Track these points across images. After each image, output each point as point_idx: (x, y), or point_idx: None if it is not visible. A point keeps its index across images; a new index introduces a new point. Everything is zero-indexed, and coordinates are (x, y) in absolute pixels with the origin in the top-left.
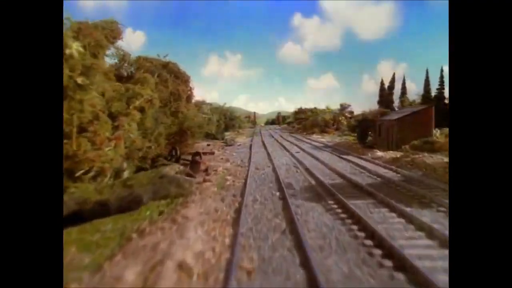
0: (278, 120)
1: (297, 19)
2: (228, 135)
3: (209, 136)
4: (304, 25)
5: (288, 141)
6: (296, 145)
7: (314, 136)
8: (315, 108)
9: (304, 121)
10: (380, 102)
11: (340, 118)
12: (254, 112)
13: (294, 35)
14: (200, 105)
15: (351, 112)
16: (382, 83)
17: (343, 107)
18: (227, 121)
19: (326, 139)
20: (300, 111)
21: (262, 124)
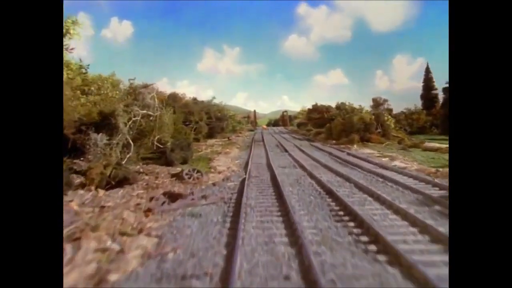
0: (283, 120)
1: (302, 8)
2: (211, 145)
3: (161, 157)
4: (310, 15)
5: (331, 170)
6: (385, 203)
7: (359, 150)
8: (342, 103)
9: (328, 123)
10: (424, 96)
11: (386, 118)
12: (254, 111)
13: (299, 26)
14: (137, 89)
15: (390, 110)
16: (427, 70)
17: (377, 103)
18: (214, 122)
19: (401, 162)
20: (314, 109)
21: (264, 126)
